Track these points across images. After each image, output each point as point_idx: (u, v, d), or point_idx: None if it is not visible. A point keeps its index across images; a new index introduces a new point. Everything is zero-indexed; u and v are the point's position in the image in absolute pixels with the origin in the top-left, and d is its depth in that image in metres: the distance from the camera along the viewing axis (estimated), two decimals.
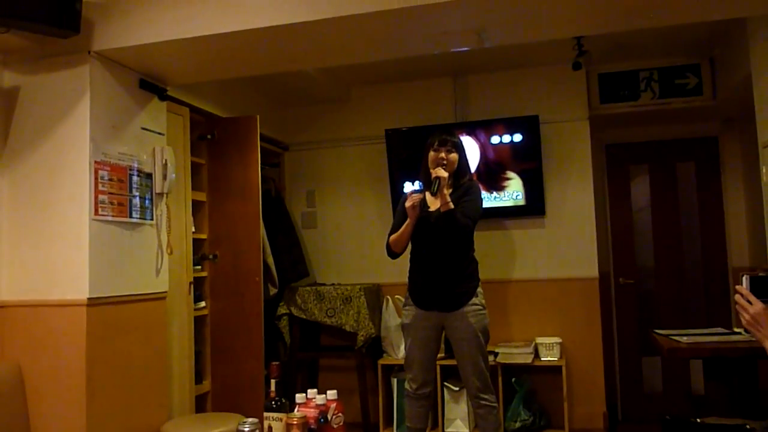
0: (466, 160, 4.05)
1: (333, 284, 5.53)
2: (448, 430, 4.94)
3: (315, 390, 2.34)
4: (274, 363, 2.39)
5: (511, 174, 5.26)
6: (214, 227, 4.80)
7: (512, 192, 5.25)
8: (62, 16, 3.09)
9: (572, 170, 5.27)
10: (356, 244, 5.77)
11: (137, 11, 3.33)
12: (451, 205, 3.70)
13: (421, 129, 5.30)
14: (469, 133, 5.26)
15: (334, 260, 5.86)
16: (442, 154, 3.84)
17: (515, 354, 4.88)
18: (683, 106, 5.29)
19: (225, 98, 5.04)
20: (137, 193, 3.67)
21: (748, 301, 2.18)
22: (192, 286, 4.45)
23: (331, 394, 2.35)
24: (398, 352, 5.09)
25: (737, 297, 2.22)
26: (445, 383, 4.94)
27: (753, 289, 2.20)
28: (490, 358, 4.48)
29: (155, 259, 3.82)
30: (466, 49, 3.70)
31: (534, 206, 5.25)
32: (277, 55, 3.65)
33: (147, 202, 3.75)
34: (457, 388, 4.88)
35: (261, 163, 4.82)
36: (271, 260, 5.10)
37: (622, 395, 5.86)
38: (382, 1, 2.98)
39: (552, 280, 5.25)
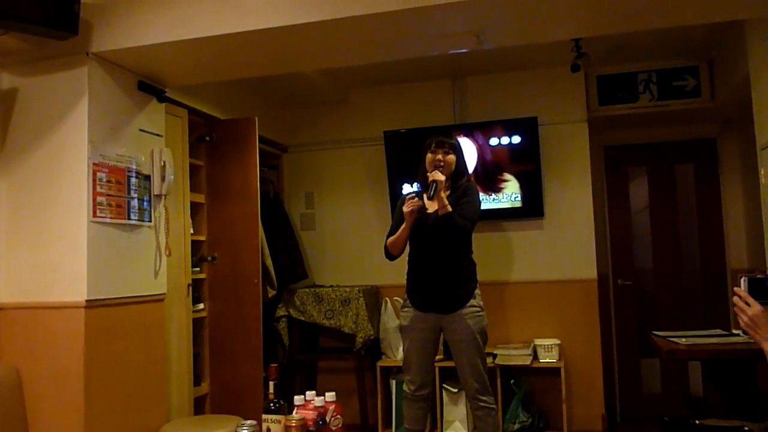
0: (464, 162, 4.05)
1: (332, 286, 5.53)
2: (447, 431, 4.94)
3: (314, 392, 2.34)
4: (272, 365, 2.38)
5: (508, 176, 5.26)
6: (213, 229, 4.80)
7: (510, 194, 5.25)
8: (60, 18, 3.09)
9: (571, 172, 5.27)
10: (355, 246, 5.77)
11: (135, 13, 3.33)
12: (449, 208, 3.70)
13: (420, 131, 5.30)
14: (467, 135, 5.27)
15: (332, 262, 5.86)
16: (439, 156, 3.85)
17: (514, 355, 4.88)
18: (681, 108, 5.30)
19: (223, 100, 5.04)
20: (135, 195, 3.66)
21: (747, 303, 2.18)
22: (190, 287, 4.45)
23: (330, 396, 2.34)
24: (397, 353, 5.09)
25: (735, 299, 2.22)
26: (444, 385, 4.93)
27: (751, 291, 2.20)
28: (489, 359, 4.48)
29: (153, 261, 3.81)
30: (464, 50, 3.70)
31: (532, 208, 5.25)
32: (275, 56, 3.65)
33: (145, 203, 3.74)
34: (455, 390, 4.88)
35: (260, 165, 4.83)
36: (269, 262, 5.10)
37: (621, 397, 5.86)
38: (381, 3, 2.97)
39: (551, 282, 5.25)
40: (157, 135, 3.90)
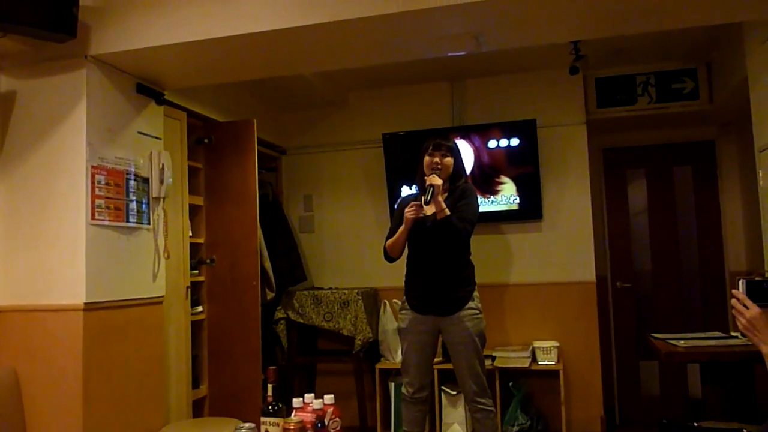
0: (462, 164, 4.04)
1: (330, 288, 5.53)
2: None
3: (312, 394, 2.33)
4: (271, 367, 2.38)
5: (504, 179, 5.26)
6: (212, 231, 4.80)
7: (509, 196, 5.25)
8: (59, 21, 3.09)
9: (569, 174, 5.27)
10: (354, 248, 5.77)
11: (134, 15, 3.33)
12: (447, 212, 3.70)
13: (419, 133, 5.31)
14: (466, 137, 5.27)
15: (331, 264, 5.86)
16: (437, 159, 3.84)
17: (512, 358, 4.88)
18: (680, 110, 5.31)
19: (222, 102, 5.04)
20: (134, 198, 3.66)
21: (745, 306, 2.18)
22: (189, 290, 4.45)
23: (329, 398, 2.34)
24: (396, 356, 5.08)
25: (734, 301, 2.22)
26: (443, 387, 4.93)
27: (749, 293, 2.20)
28: (488, 362, 4.48)
29: (152, 264, 3.81)
30: (463, 53, 3.70)
31: (531, 210, 5.25)
32: (274, 59, 3.65)
33: (144, 206, 3.74)
34: (454, 393, 4.88)
35: (258, 168, 4.83)
36: (268, 264, 5.10)
37: (620, 399, 5.86)
38: (380, 6, 2.98)
39: (549, 284, 5.25)
40: (156, 137, 3.90)
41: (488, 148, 5.27)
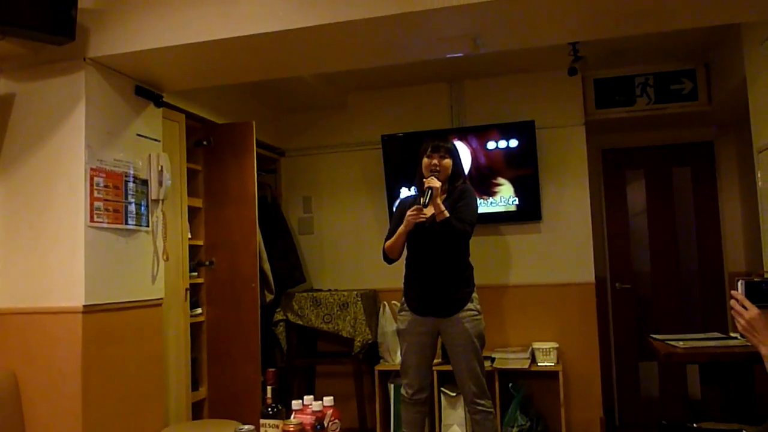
0: (461, 165, 4.04)
1: (330, 290, 5.52)
2: None
3: (311, 396, 2.33)
4: (270, 369, 2.38)
5: (501, 180, 5.26)
6: (211, 233, 4.80)
7: (507, 197, 5.25)
8: (57, 23, 3.09)
9: (568, 175, 5.27)
10: (353, 250, 5.77)
11: (133, 18, 3.33)
12: (446, 214, 3.69)
13: (418, 135, 5.30)
14: (465, 139, 5.27)
15: (330, 266, 5.86)
16: (435, 161, 3.84)
17: (512, 359, 4.88)
18: (679, 111, 5.31)
19: (221, 104, 5.03)
20: (133, 200, 3.66)
21: (744, 307, 2.18)
22: (188, 292, 4.45)
23: (328, 400, 2.34)
24: (395, 357, 5.08)
25: (733, 302, 2.22)
26: (442, 389, 4.93)
27: (748, 294, 2.20)
28: (487, 363, 4.48)
29: (151, 266, 3.81)
30: (461, 54, 3.70)
31: (530, 211, 5.25)
32: (273, 61, 3.65)
33: (143, 208, 3.74)
34: (453, 394, 4.87)
35: (257, 169, 4.83)
36: (267, 266, 5.10)
37: (619, 400, 5.86)
38: (378, 8, 2.98)
39: (549, 285, 5.25)
40: (155, 140, 3.90)
41: (487, 149, 5.27)
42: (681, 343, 3.62)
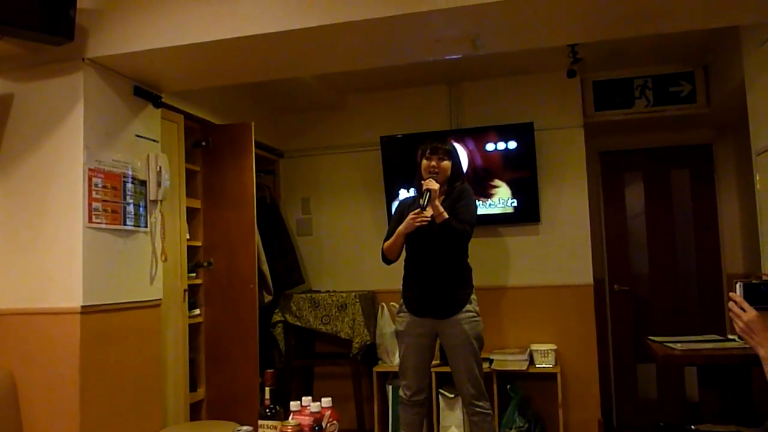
0: (460, 166, 4.04)
1: (328, 291, 5.52)
2: None
3: (310, 397, 2.33)
4: (268, 370, 2.38)
5: (498, 182, 5.26)
6: (209, 234, 4.80)
7: (506, 199, 5.26)
8: (56, 24, 3.08)
9: (567, 177, 5.27)
10: (351, 251, 5.77)
11: (131, 18, 3.33)
12: (446, 215, 3.69)
13: (416, 136, 5.30)
14: (464, 140, 5.27)
15: (329, 267, 5.86)
16: (434, 162, 3.84)
17: (510, 361, 4.88)
18: (677, 113, 5.31)
19: (220, 105, 5.04)
20: (131, 201, 3.66)
21: (742, 309, 2.18)
22: (186, 293, 4.45)
23: (326, 401, 2.34)
24: (393, 359, 5.08)
25: (731, 304, 2.22)
26: (440, 390, 4.93)
27: (747, 296, 2.21)
28: (485, 365, 4.48)
29: (149, 267, 3.81)
30: (460, 56, 3.71)
31: (528, 213, 5.25)
32: (271, 62, 3.65)
33: (141, 209, 3.74)
34: (452, 396, 4.87)
35: (256, 170, 4.83)
36: (266, 267, 5.10)
37: (617, 402, 5.86)
38: (377, 9, 2.98)
39: (547, 287, 5.25)
40: (153, 140, 3.90)
41: (486, 151, 5.28)
42: (679, 345, 3.62)
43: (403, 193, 5.35)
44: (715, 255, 5.79)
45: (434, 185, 3.68)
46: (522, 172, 5.23)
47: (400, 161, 5.42)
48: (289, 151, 6.00)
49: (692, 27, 3.44)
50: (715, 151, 5.83)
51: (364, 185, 5.77)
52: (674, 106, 5.30)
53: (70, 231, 3.30)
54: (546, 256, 5.28)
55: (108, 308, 3.42)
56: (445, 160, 3.87)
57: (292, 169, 6.01)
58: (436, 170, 3.82)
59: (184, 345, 4.38)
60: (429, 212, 3.69)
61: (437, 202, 3.68)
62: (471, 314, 3.79)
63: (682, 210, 5.93)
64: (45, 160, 3.39)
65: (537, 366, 4.94)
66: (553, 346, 4.99)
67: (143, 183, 3.76)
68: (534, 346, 5.02)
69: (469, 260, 3.96)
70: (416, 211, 3.70)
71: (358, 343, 5.11)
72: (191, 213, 4.65)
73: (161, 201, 3.89)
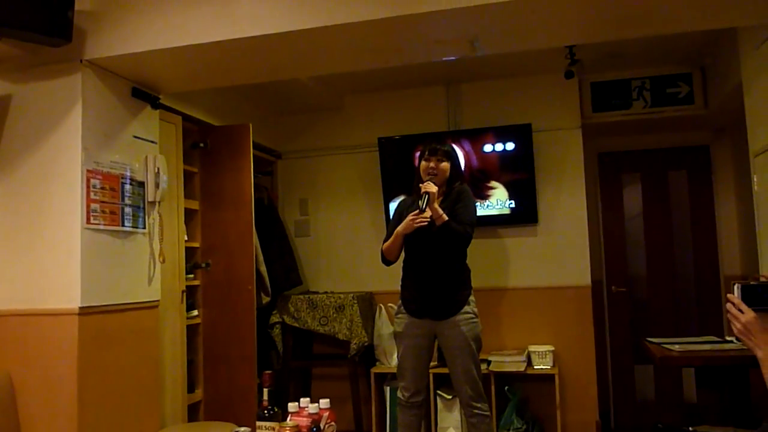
0: (459, 168, 4.05)
1: (326, 292, 5.52)
2: None
3: (308, 399, 2.34)
4: (266, 372, 2.38)
5: (494, 183, 5.27)
6: (207, 236, 4.79)
7: (504, 200, 5.26)
8: (54, 25, 3.09)
9: (565, 178, 5.28)
10: (349, 253, 5.77)
11: (129, 20, 3.33)
12: (445, 218, 3.69)
13: (414, 137, 5.33)
14: (462, 142, 5.27)
15: (327, 268, 5.86)
16: (432, 164, 3.84)
17: (508, 362, 4.89)
18: (675, 114, 5.32)
19: (218, 106, 5.04)
20: (129, 202, 3.66)
21: (740, 310, 2.18)
22: (184, 294, 4.44)
23: (324, 402, 2.34)
24: (391, 360, 5.09)
25: (729, 306, 2.22)
26: (438, 392, 4.93)
27: (744, 297, 2.20)
28: (483, 366, 4.47)
29: (147, 268, 3.80)
30: (459, 57, 3.71)
31: (526, 214, 5.26)
32: (269, 63, 3.65)
33: (139, 210, 3.74)
34: (449, 397, 4.87)
35: (254, 172, 4.82)
36: (263, 268, 5.10)
37: (615, 403, 5.86)
38: (375, 10, 2.98)
39: (545, 288, 5.25)
40: (151, 142, 3.90)
41: (483, 152, 5.28)
42: (677, 346, 3.62)
43: (403, 196, 5.33)
44: (712, 256, 5.79)
45: (432, 188, 3.68)
46: (520, 174, 5.24)
47: (398, 162, 5.43)
48: (287, 152, 6.00)
49: (690, 28, 3.45)
50: (713, 152, 5.83)
51: (361, 186, 5.77)
52: (672, 107, 5.31)
53: (68, 232, 3.30)
54: (544, 257, 5.28)
55: (106, 309, 3.42)
56: (444, 161, 3.87)
57: (290, 171, 6.01)
58: (435, 172, 3.83)
59: (182, 346, 4.38)
60: (428, 213, 3.68)
61: (436, 205, 3.68)
62: (469, 316, 3.79)
63: (679, 211, 5.94)
64: (43, 161, 3.39)
65: (535, 367, 4.95)
66: (550, 348, 4.99)
67: (141, 184, 3.76)
68: (532, 348, 5.02)
69: (467, 261, 3.96)
70: (415, 211, 3.70)
71: (355, 344, 5.11)
72: (189, 214, 4.65)
73: (159, 202, 3.89)
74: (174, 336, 4.30)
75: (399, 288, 4.01)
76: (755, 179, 3.96)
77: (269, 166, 5.89)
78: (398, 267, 4.00)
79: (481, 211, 5.22)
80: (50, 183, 3.36)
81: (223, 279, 4.73)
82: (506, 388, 4.93)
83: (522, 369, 4.84)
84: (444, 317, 3.79)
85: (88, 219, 3.33)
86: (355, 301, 5.18)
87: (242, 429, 2.24)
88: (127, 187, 3.65)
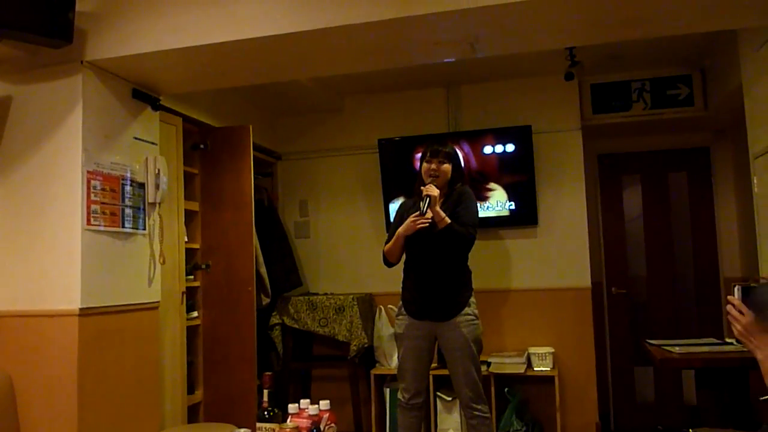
0: (461, 169, 4.04)
1: (326, 294, 5.52)
2: None
3: (308, 400, 2.34)
4: (266, 373, 2.38)
5: (493, 185, 5.26)
6: (207, 237, 4.79)
7: (504, 202, 5.26)
8: (55, 26, 3.09)
9: (565, 180, 5.28)
10: (349, 254, 5.77)
11: (130, 21, 3.33)
12: (447, 220, 3.68)
13: (414, 139, 5.34)
14: (461, 143, 5.27)
15: (326, 270, 5.85)
16: (434, 165, 3.84)
17: (508, 364, 4.89)
18: (675, 116, 5.32)
19: (218, 108, 5.04)
20: (130, 203, 3.66)
21: (740, 312, 2.18)
22: (184, 295, 4.44)
23: (324, 404, 2.34)
24: (391, 361, 5.09)
25: (729, 307, 2.22)
26: (438, 393, 4.93)
27: (744, 299, 2.20)
28: (483, 368, 4.47)
29: (148, 269, 3.80)
30: (456, 59, 3.71)
31: (525, 216, 5.26)
32: (270, 65, 3.66)
33: (139, 211, 3.74)
34: (449, 399, 4.87)
35: (254, 173, 4.82)
36: (263, 270, 5.10)
37: (615, 405, 5.86)
38: (375, 12, 2.98)
39: (545, 290, 5.25)
40: (152, 143, 3.90)
41: (483, 154, 5.28)
42: (677, 348, 3.62)
43: (402, 198, 5.34)
44: (712, 258, 5.79)
45: (434, 191, 3.67)
46: (520, 175, 5.24)
47: (398, 164, 5.43)
48: (287, 153, 6.00)
49: (690, 30, 3.45)
50: (713, 154, 5.83)
51: (361, 188, 5.77)
52: (672, 109, 5.31)
53: (69, 233, 3.30)
54: (544, 259, 5.28)
55: (106, 310, 3.42)
56: (446, 163, 3.86)
57: (290, 172, 6.01)
58: (436, 173, 3.82)
59: (182, 347, 4.38)
60: (429, 214, 3.68)
61: (438, 208, 3.68)
62: (470, 317, 3.79)
63: (679, 213, 5.94)
64: (44, 162, 3.39)
65: (535, 369, 4.94)
66: (550, 349, 4.99)
67: (142, 185, 3.76)
68: (532, 349, 5.02)
69: (468, 263, 3.96)
70: (416, 213, 3.69)
71: (355, 345, 5.11)
72: (189, 215, 4.65)
73: (159, 203, 3.89)
74: (174, 337, 4.30)
75: (398, 289, 4.00)
76: (755, 181, 3.96)
77: (269, 167, 5.89)
78: (398, 268, 3.99)
79: (480, 213, 5.20)
80: (51, 184, 3.36)
81: (223, 280, 4.73)
82: (506, 389, 4.92)
83: (522, 371, 4.84)
84: (444, 319, 3.78)
85: (88, 220, 3.33)
86: (355, 303, 5.18)
87: (242, 430, 2.24)
88: (128, 188, 3.65)
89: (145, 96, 3.84)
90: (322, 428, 2.28)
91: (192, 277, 4.65)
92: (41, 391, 3.26)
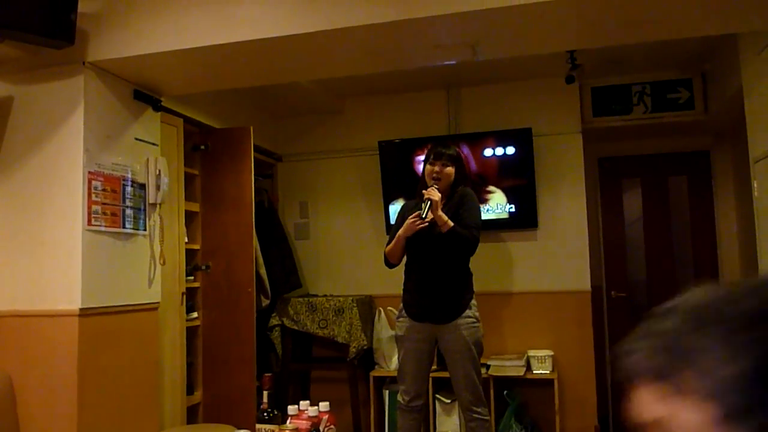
0: (464, 171, 4.02)
1: (325, 295, 5.52)
2: None
3: (307, 402, 2.34)
4: (266, 374, 2.39)
5: (492, 188, 5.27)
6: (207, 238, 4.80)
7: (503, 204, 5.26)
8: (56, 27, 3.10)
9: (565, 183, 5.28)
10: (349, 256, 5.77)
11: (132, 22, 3.34)
12: (450, 224, 3.67)
13: (415, 141, 5.34)
14: (461, 146, 5.27)
15: (326, 271, 5.86)
16: (437, 168, 3.82)
17: (507, 367, 4.88)
18: (675, 120, 5.33)
19: (219, 109, 5.05)
20: (130, 204, 3.66)
21: None
22: (184, 296, 4.45)
23: (323, 405, 2.35)
24: (390, 363, 5.09)
25: None
26: (437, 395, 4.93)
27: None
28: (482, 370, 4.48)
29: (148, 270, 3.81)
30: (457, 61, 3.72)
31: (525, 219, 5.26)
32: (271, 66, 3.66)
33: (140, 212, 3.75)
34: (449, 401, 4.87)
35: (254, 174, 4.83)
36: (263, 271, 5.10)
37: (614, 408, 5.85)
38: (376, 14, 2.99)
39: (544, 293, 5.25)
40: (153, 144, 3.91)
41: (483, 156, 5.29)
42: None
43: (403, 200, 5.35)
44: (712, 262, 5.80)
45: (435, 195, 3.65)
46: (520, 178, 5.24)
47: (398, 166, 5.43)
48: (288, 155, 6.00)
49: (690, 34, 3.46)
50: (713, 157, 5.84)
51: (361, 190, 5.77)
52: (672, 112, 5.32)
53: (70, 233, 3.30)
54: (544, 262, 5.28)
55: (106, 311, 3.43)
56: (449, 165, 3.84)
57: (291, 173, 6.01)
58: (439, 176, 3.80)
59: (181, 348, 4.38)
60: (429, 217, 3.66)
61: (440, 212, 3.66)
62: (471, 320, 3.78)
63: (679, 216, 5.94)
64: (45, 163, 3.39)
65: (534, 372, 4.94)
66: (550, 352, 4.99)
67: (142, 186, 3.77)
68: (531, 352, 5.02)
69: (469, 265, 3.96)
70: (415, 214, 3.69)
71: (355, 347, 5.11)
72: (190, 216, 4.66)
73: (160, 204, 3.89)
74: (174, 338, 4.31)
75: (398, 291, 4.00)
76: (755, 185, 3.96)
77: (269, 168, 5.90)
78: (397, 270, 3.99)
79: (486, 215, 5.23)
80: (52, 184, 3.37)
81: (223, 281, 4.74)
82: (505, 392, 4.92)
83: (521, 373, 4.84)
84: (445, 321, 3.78)
85: (89, 220, 3.33)
86: (355, 305, 5.18)
87: (242, 431, 2.24)
88: (128, 189, 3.66)
89: (146, 97, 3.85)
90: (321, 430, 2.28)
91: (192, 278, 4.66)
92: (41, 391, 3.27)
